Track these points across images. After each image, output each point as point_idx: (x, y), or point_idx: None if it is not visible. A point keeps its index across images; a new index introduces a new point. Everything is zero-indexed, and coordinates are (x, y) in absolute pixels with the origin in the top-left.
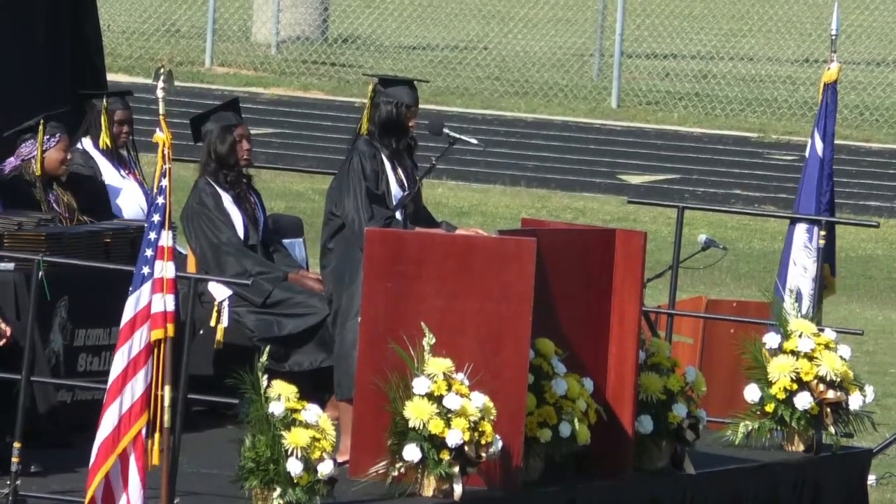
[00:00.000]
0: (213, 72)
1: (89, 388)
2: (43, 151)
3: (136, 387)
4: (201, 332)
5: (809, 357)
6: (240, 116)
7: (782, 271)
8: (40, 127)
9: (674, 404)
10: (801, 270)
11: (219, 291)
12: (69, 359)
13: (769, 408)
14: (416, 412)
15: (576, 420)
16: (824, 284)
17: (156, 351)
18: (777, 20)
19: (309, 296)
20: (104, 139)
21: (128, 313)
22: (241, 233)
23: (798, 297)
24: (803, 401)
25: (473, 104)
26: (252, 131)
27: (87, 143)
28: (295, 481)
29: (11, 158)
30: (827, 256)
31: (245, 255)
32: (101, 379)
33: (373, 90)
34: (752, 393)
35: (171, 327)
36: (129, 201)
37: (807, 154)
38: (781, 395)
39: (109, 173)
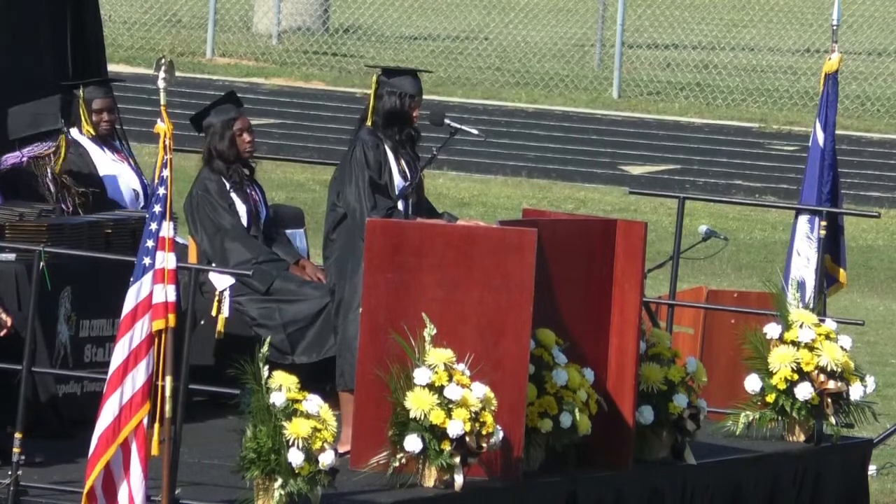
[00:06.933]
0: (214, 62)
1: (97, 378)
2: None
3: (138, 377)
4: (202, 322)
5: (810, 347)
6: (238, 107)
7: (788, 262)
8: (62, 137)
9: (674, 395)
10: (805, 261)
11: (220, 281)
12: (76, 350)
13: (770, 398)
14: (417, 403)
15: (576, 410)
16: (835, 279)
17: (157, 341)
18: (778, 10)
19: (306, 284)
20: (85, 128)
21: (129, 304)
22: (244, 221)
23: (801, 288)
24: (804, 391)
25: (474, 94)
26: (253, 122)
27: (74, 132)
28: (296, 472)
29: (17, 153)
30: (832, 247)
31: (251, 242)
32: (106, 370)
33: (376, 81)
34: (752, 383)
35: (172, 317)
36: (122, 184)
37: (810, 144)
38: (782, 386)
39: (100, 159)
